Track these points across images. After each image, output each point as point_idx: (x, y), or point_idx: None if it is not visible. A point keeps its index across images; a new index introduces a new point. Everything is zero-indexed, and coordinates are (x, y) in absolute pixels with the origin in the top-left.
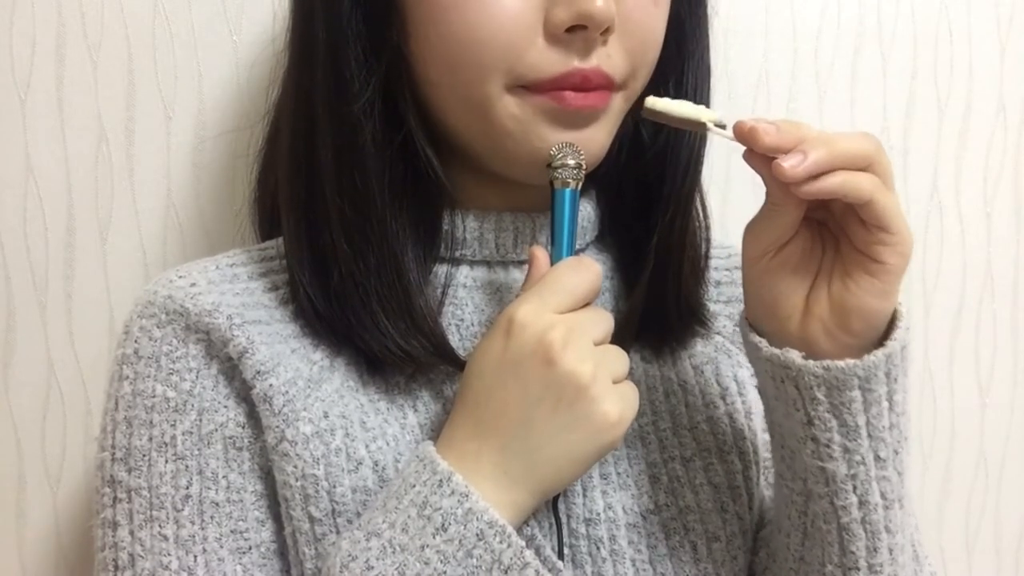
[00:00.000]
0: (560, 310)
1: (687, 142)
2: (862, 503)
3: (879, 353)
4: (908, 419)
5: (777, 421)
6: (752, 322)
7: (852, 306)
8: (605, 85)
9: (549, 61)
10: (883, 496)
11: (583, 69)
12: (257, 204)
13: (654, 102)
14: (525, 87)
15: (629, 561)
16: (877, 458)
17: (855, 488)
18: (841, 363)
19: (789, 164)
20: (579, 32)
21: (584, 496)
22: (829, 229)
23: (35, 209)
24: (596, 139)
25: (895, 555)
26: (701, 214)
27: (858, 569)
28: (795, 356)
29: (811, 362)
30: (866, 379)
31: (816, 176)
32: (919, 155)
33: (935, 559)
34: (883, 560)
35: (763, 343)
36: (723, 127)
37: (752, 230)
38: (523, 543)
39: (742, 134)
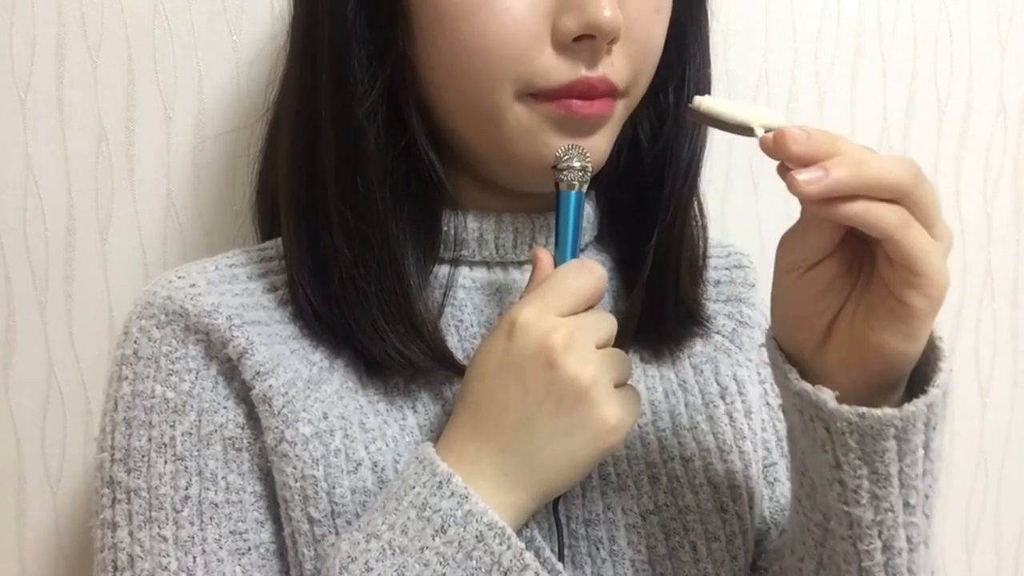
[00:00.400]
0: (563, 313)
1: (687, 146)
2: (886, 548)
3: (919, 403)
4: (942, 463)
5: (801, 450)
6: (777, 339)
7: (872, 344)
8: (610, 93)
9: (557, 69)
10: (909, 541)
11: (590, 78)
12: (257, 203)
13: (701, 101)
14: (533, 95)
15: (629, 562)
16: (906, 505)
17: (880, 534)
18: (878, 412)
19: (804, 178)
20: (587, 41)
21: (583, 497)
22: (871, 253)
23: (35, 209)
24: (599, 146)
25: None
26: (699, 214)
27: None
28: (828, 397)
29: (845, 408)
30: (903, 429)
31: (837, 199)
32: (919, 155)
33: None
34: None
35: (793, 374)
36: None
37: (785, 243)
38: (523, 545)
39: (766, 143)
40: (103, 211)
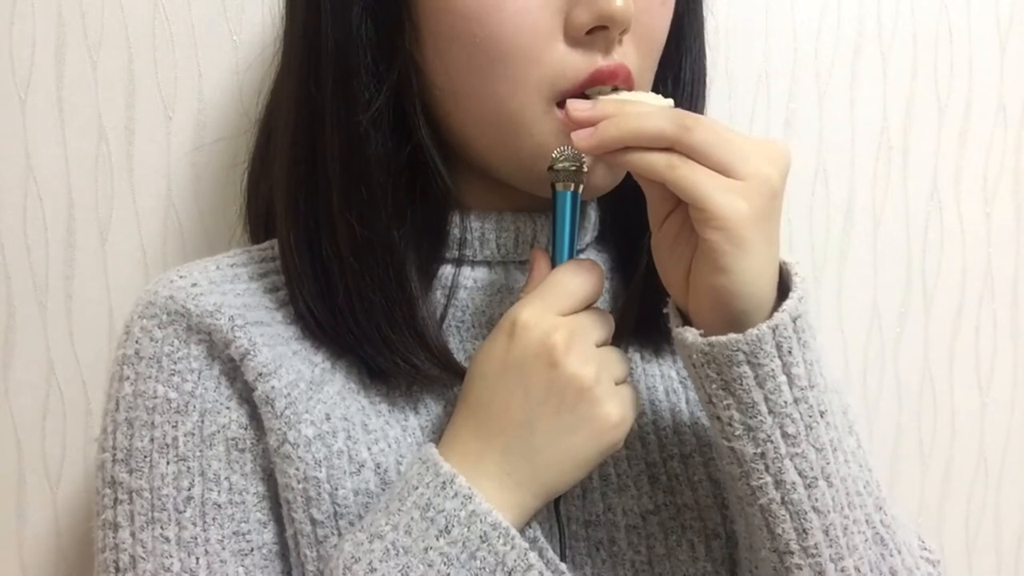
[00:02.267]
0: (563, 312)
1: None
2: (778, 483)
3: (763, 326)
4: (822, 391)
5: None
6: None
7: (703, 283)
8: (627, 80)
9: (574, 65)
10: (801, 475)
11: (609, 66)
12: (249, 211)
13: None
14: (561, 106)
15: (629, 563)
16: (785, 435)
17: (767, 467)
18: (724, 338)
19: (576, 135)
20: (600, 32)
21: (584, 499)
22: None
23: (35, 209)
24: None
25: (833, 536)
26: None
27: (791, 553)
28: (687, 335)
29: (700, 340)
30: (752, 354)
31: (616, 152)
32: (919, 155)
33: None
34: (817, 541)
35: (674, 321)
36: None
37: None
38: (526, 545)
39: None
40: (103, 211)
